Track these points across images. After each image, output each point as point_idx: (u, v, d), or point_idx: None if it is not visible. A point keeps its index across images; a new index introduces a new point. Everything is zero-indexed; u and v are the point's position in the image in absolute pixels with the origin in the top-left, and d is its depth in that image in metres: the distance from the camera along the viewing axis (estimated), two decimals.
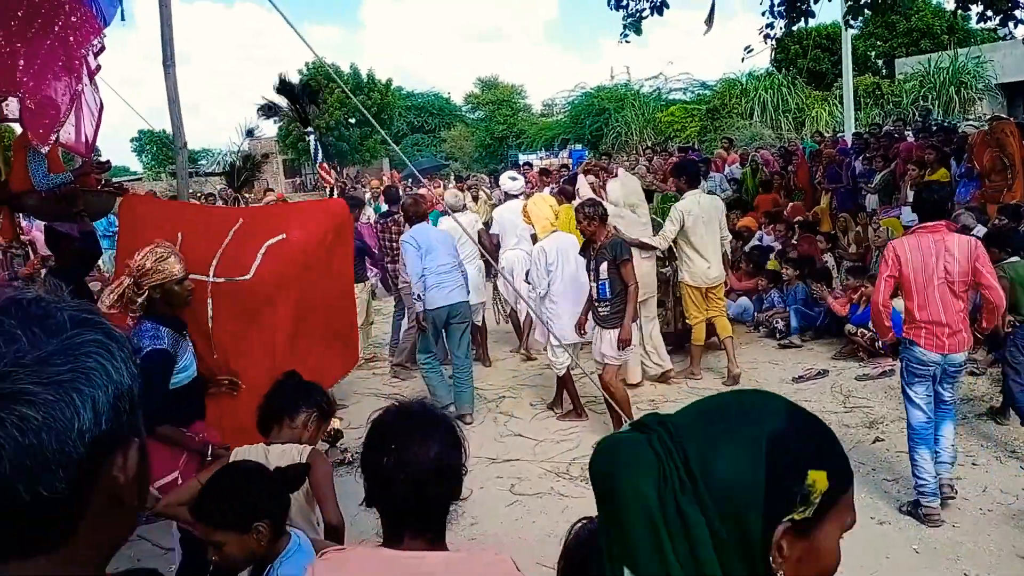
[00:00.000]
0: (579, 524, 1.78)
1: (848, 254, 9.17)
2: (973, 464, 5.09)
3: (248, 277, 3.74)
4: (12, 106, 5.31)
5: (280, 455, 2.72)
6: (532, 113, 37.76)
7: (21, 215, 6.09)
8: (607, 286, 5.64)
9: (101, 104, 5.05)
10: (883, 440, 5.58)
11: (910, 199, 9.77)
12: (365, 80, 35.71)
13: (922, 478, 4.43)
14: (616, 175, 7.67)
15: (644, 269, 6.96)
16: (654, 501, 0.87)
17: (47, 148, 4.59)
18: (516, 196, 8.30)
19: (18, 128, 5.45)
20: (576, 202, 7.08)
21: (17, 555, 0.75)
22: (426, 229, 6.80)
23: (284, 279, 3.85)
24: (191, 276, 3.47)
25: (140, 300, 3.24)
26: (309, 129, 8.58)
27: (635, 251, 6.82)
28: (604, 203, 6.92)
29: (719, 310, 7.26)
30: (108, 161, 5.38)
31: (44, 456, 0.72)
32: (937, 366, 4.43)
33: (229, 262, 3.74)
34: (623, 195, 7.04)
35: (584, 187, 7.51)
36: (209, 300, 3.63)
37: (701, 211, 6.95)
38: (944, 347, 4.36)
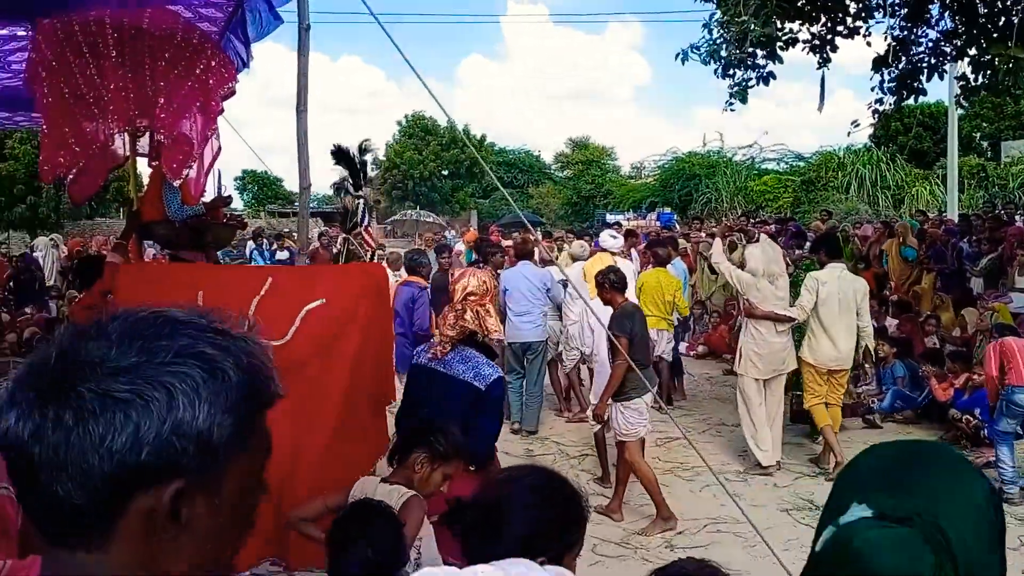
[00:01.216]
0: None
1: (951, 338, 8.83)
2: None
3: (283, 341, 3.57)
4: (143, 142, 5.69)
5: (385, 494, 2.75)
6: (620, 175, 37.96)
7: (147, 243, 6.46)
8: (612, 356, 5.52)
9: (219, 147, 5.36)
10: None
11: (1019, 284, 9.40)
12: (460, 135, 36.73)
13: (1003, 468, 5.98)
14: (757, 240, 7.54)
15: (777, 346, 6.59)
16: None
17: (179, 181, 4.88)
18: (616, 254, 8.11)
19: (143, 162, 5.83)
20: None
21: (62, 544, 0.78)
22: (520, 271, 7.78)
23: (322, 346, 3.68)
24: None
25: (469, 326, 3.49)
26: (360, 193, 8.71)
27: (770, 325, 6.53)
28: (733, 272, 6.77)
29: (836, 399, 6.80)
30: (230, 196, 5.69)
31: (64, 460, 0.74)
32: None
33: (263, 323, 3.54)
34: (763, 263, 6.60)
35: (717, 252, 7.41)
36: None
37: (838, 287, 6.58)
38: None
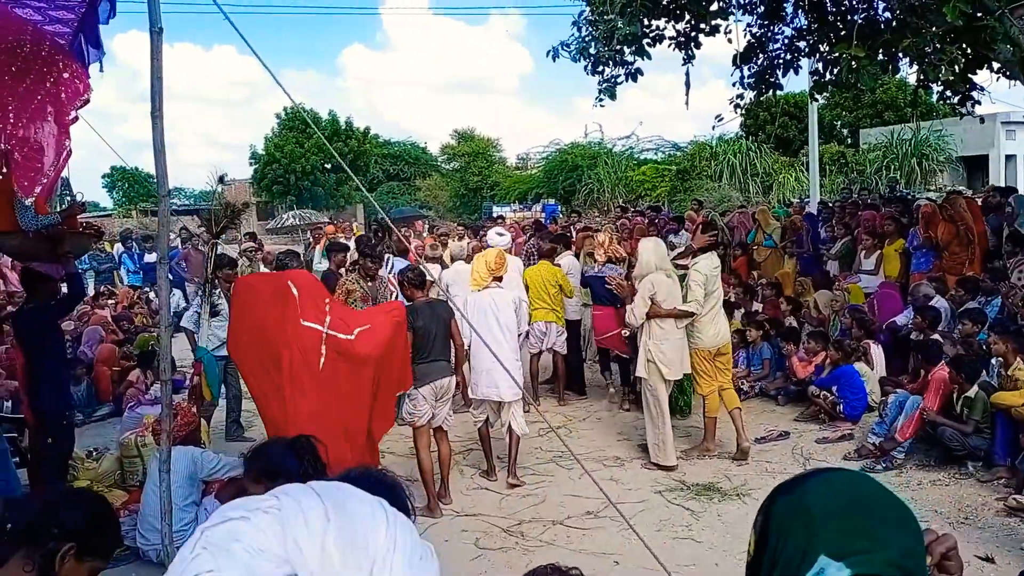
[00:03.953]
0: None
1: (811, 318, 9.41)
2: None
3: (351, 337, 4.72)
4: None
5: None
6: (507, 166, 38.22)
7: None
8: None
9: (70, 150, 5.13)
10: None
11: (864, 266, 10.08)
12: (343, 127, 36.05)
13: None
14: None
15: (682, 344, 6.64)
16: None
17: (31, 200, 4.64)
18: (506, 250, 8.00)
19: None
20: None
21: None
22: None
23: (375, 351, 4.90)
24: (309, 325, 4.54)
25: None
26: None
27: (671, 323, 6.55)
28: (638, 302, 6.61)
29: (727, 380, 6.91)
30: (85, 203, 5.46)
31: None
32: None
33: (336, 321, 4.67)
34: (656, 256, 6.68)
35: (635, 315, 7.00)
36: (323, 348, 4.60)
37: (713, 272, 6.76)
38: None
